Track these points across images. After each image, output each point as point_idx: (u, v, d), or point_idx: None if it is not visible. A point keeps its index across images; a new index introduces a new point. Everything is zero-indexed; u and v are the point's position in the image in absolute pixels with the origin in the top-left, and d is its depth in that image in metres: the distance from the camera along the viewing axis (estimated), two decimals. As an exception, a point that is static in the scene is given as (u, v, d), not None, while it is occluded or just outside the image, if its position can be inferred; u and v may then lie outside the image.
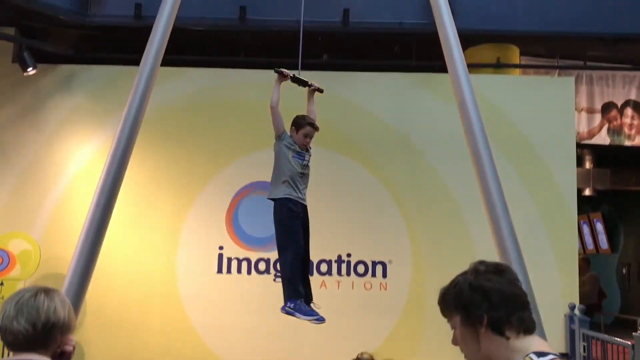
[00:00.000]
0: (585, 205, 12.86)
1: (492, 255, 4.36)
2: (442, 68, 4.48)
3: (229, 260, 6.56)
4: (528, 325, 1.59)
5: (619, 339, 5.29)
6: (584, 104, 7.60)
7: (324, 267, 6.54)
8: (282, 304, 4.12)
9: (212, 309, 6.41)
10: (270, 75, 6.69)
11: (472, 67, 6.93)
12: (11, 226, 6.41)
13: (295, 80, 4.26)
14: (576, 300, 6.43)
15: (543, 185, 6.68)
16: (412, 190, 6.69)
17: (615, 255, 12.94)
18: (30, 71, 6.63)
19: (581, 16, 6.50)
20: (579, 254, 13.24)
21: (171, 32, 4.88)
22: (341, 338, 6.36)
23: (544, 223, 6.61)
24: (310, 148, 4.29)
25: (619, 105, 7.70)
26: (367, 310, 6.46)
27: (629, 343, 4.84)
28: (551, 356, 1.53)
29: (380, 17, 6.55)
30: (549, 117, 6.75)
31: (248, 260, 6.56)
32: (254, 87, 6.83)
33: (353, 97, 6.80)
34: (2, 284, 6.13)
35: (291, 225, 4.15)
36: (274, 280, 6.33)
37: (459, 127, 4.62)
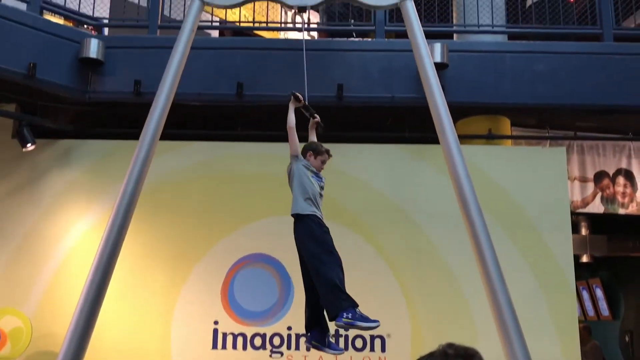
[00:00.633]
0: (583, 271, 12.81)
1: (492, 328, 4.31)
2: (435, 139, 4.57)
3: (224, 335, 6.44)
4: None
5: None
6: (576, 173, 7.71)
7: (321, 341, 6.41)
8: None
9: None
10: (266, 147, 6.87)
11: (464, 138, 7.07)
12: (3, 302, 6.32)
13: (305, 107, 4.52)
14: (578, 367, 6.31)
15: (539, 254, 6.67)
16: (410, 261, 6.67)
17: (616, 322, 12.78)
18: (30, 147, 6.72)
19: (568, 89, 6.69)
20: (580, 321, 13.10)
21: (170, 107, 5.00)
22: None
23: (542, 292, 6.57)
24: None
25: (611, 174, 7.81)
26: (366, 388, 6.30)
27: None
28: None
29: (373, 92, 6.73)
30: (542, 186, 6.83)
31: (244, 336, 6.44)
32: (250, 160, 6.94)
33: (348, 168, 6.89)
34: (-9, 362, 5.99)
35: (325, 239, 4.12)
36: (270, 356, 6.21)
37: (453, 196, 4.67)
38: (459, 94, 6.68)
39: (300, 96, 4.47)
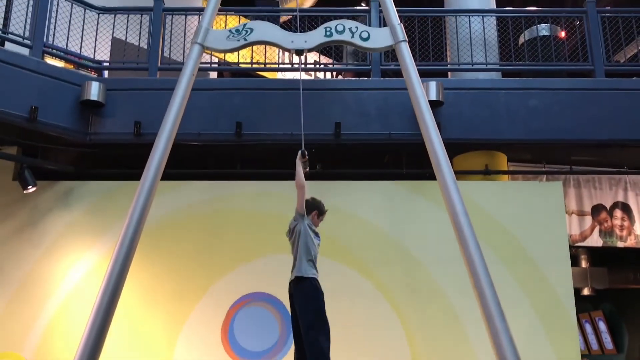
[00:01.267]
0: (586, 304, 12.75)
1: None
2: (433, 175, 4.64)
3: (224, 376, 6.39)
4: None
5: None
6: (573, 206, 7.76)
7: (322, 382, 6.35)
8: None
9: None
10: (265, 185, 6.92)
11: (462, 174, 7.17)
12: (3, 346, 6.28)
13: (305, 162, 4.66)
14: (583, 407, 6.24)
15: (539, 287, 6.67)
16: (409, 297, 6.66)
17: (621, 355, 12.66)
18: (30, 189, 6.77)
19: (562, 125, 6.80)
20: (583, 355, 12.96)
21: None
22: None
23: (542, 326, 6.54)
24: None
25: (608, 207, 7.87)
26: None
27: None
28: None
29: (370, 129, 6.83)
30: (540, 220, 6.86)
31: (244, 376, 6.40)
32: (249, 198, 6.99)
33: (346, 205, 6.93)
34: (-10, 407, 5.93)
35: (321, 305, 4.34)
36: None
37: (452, 232, 4.70)
38: (455, 131, 6.78)
39: (306, 153, 4.62)
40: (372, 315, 6.57)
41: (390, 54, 7.02)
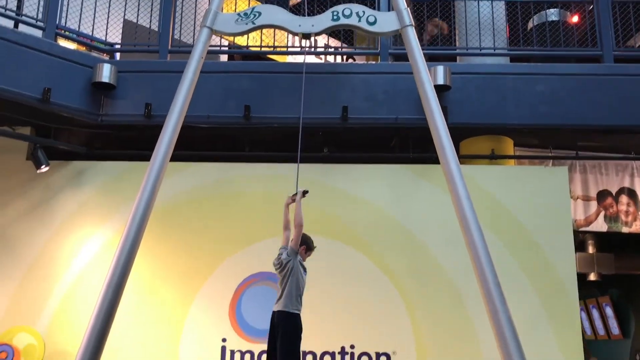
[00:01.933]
0: (594, 290, 12.79)
1: (494, 345, 4.39)
2: (439, 159, 4.72)
3: (232, 353, 6.54)
4: None
5: None
6: (579, 192, 7.78)
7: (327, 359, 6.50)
8: None
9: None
10: (273, 168, 7.02)
11: (468, 158, 7.22)
12: (17, 320, 6.47)
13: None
14: (583, 388, 6.34)
15: (543, 272, 6.73)
16: (414, 280, 6.75)
17: (627, 340, 12.71)
18: (44, 168, 6.92)
19: (570, 110, 6.81)
20: (590, 341, 13.03)
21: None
22: None
23: (545, 311, 6.61)
24: None
25: (614, 193, 7.88)
26: (373, 404, 6.36)
27: None
28: None
29: (377, 113, 6.88)
30: (545, 205, 6.90)
31: (251, 353, 6.53)
32: (258, 180, 7.08)
33: (353, 189, 7.02)
34: (6, 379, 6.12)
35: (299, 342, 4.71)
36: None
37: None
38: (462, 115, 6.82)
39: (307, 192, 4.94)
40: (376, 297, 6.68)
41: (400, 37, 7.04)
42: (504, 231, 6.74)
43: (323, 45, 10.54)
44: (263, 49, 8.32)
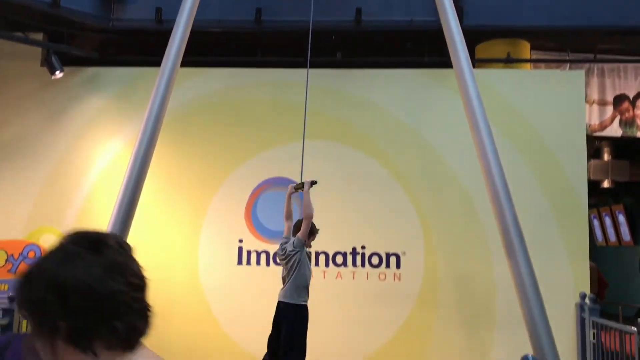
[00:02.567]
0: (607, 198, 12.87)
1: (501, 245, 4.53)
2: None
3: (249, 252, 6.81)
4: (128, 337, 1.15)
5: (624, 326, 5.42)
6: (595, 96, 7.68)
7: (339, 259, 6.75)
8: None
9: (232, 299, 6.69)
10: (285, 73, 6.98)
11: (483, 62, 7.11)
12: (42, 222, 6.76)
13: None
14: (587, 289, 6.55)
15: (554, 177, 6.79)
16: (424, 183, 6.86)
17: (637, 247, 12.92)
18: (58, 74, 6.96)
19: (589, 10, 6.60)
20: (602, 246, 13.27)
21: (190, 34, 5.15)
22: (356, 327, 6.59)
23: (554, 215, 6.73)
24: None
25: (631, 97, 7.76)
26: (382, 300, 6.66)
27: (634, 329, 4.95)
28: None
29: (392, 15, 6.73)
30: (559, 110, 6.86)
31: (267, 253, 6.80)
32: (271, 86, 7.08)
33: (366, 93, 6.99)
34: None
35: (305, 332, 4.73)
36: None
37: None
38: (479, 17, 6.66)
39: (316, 182, 4.86)
40: (387, 201, 6.83)
41: None
42: (516, 135, 6.75)
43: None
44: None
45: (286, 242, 4.85)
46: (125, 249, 1.25)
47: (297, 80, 6.88)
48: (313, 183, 4.80)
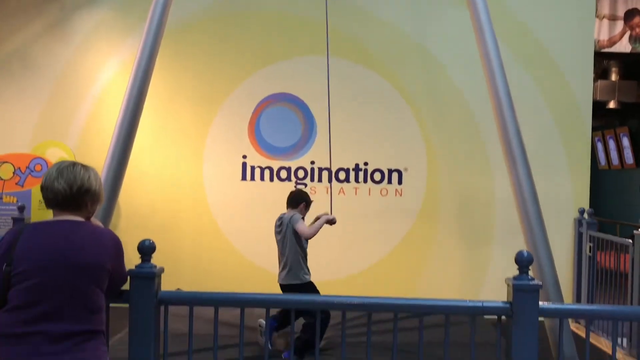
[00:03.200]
0: (612, 119, 12.77)
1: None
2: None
3: (252, 168, 6.87)
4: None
5: (620, 238, 5.54)
6: (606, 10, 7.48)
7: (342, 175, 6.82)
8: None
9: (238, 213, 6.82)
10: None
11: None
12: (47, 135, 6.78)
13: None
14: (587, 205, 6.65)
15: (559, 93, 6.75)
16: (428, 99, 6.82)
17: (639, 169, 12.94)
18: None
19: None
20: (604, 169, 13.29)
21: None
22: (359, 240, 6.75)
23: (558, 131, 6.74)
24: None
25: (643, 13, 7.57)
26: (383, 215, 6.79)
27: (629, 241, 5.07)
28: None
29: None
30: (568, 25, 6.72)
31: (270, 169, 6.87)
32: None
33: (371, 6, 6.83)
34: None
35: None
36: (295, 186, 6.65)
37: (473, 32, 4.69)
38: None
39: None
40: (390, 116, 6.82)
41: None
42: (521, 48, 6.66)
43: None
44: None
45: (283, 217, 4.78)
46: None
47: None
48: (331, 222, 4.73)
